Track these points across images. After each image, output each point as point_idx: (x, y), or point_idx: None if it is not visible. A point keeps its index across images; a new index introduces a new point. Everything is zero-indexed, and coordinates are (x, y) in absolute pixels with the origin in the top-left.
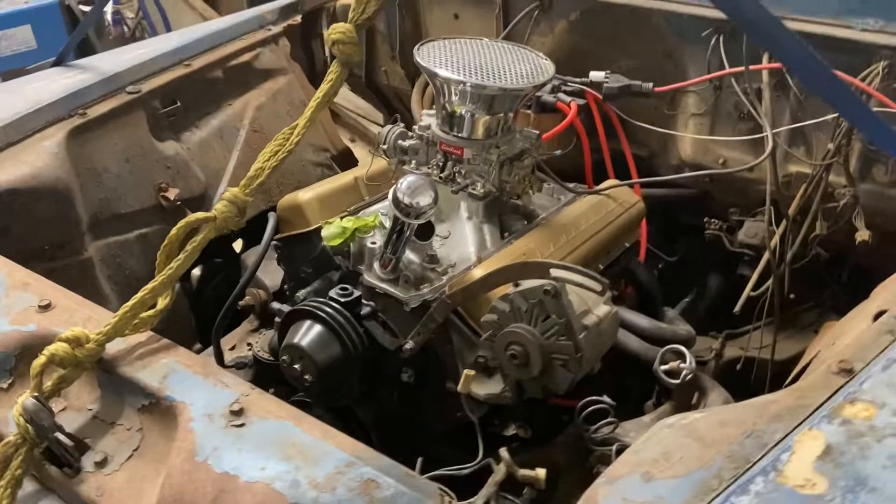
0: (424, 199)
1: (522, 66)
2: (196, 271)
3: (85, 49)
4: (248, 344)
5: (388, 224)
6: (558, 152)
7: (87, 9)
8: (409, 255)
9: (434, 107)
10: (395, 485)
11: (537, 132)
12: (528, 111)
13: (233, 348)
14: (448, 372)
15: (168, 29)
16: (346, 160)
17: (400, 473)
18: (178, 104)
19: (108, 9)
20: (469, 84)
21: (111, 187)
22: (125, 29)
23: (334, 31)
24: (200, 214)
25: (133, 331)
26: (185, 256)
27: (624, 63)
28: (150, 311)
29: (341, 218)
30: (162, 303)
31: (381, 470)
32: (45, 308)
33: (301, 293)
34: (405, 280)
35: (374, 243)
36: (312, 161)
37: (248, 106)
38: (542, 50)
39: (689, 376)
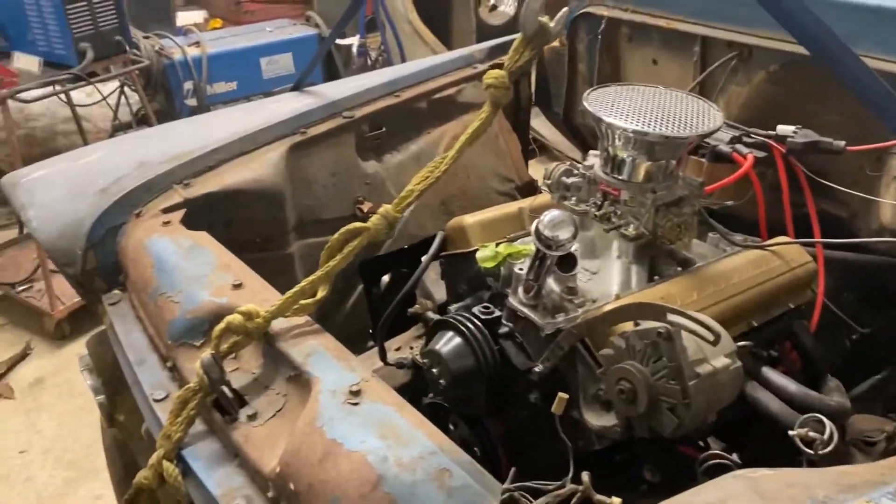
0: (564, 234)
1: (690, 114)
2: (385, 278)
3: (333, 76)
4: (411, 347)
5: None
6: (730, 203)
7: (341, 41)
8: (552, 285)
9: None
10: (466, 478)
11: (700, 180)
12: (702, 159)
13: (398, 349)
14: (572, 400)
15: (403, 60)
16: (530, 192)
17: (474, 470)
18: (384, 129)
19: (355, 42)
20: (631, 130)
21: (317, 196)
22: (368, 60)
23: (489, 77)
24: (359, 224)
25: (293, 314)
26: (341, 257)
27: (826, 118)
28: (310, 300)
29: (497, 244)
30: (320, 294)
31: (457, 463)
32: (238, 287)
33: (453, 307)
34: (543, 307)
35: (521, 269)
36: (497, 190)
37: (445, 135)
38: (738, 100)
39: (825, 448)
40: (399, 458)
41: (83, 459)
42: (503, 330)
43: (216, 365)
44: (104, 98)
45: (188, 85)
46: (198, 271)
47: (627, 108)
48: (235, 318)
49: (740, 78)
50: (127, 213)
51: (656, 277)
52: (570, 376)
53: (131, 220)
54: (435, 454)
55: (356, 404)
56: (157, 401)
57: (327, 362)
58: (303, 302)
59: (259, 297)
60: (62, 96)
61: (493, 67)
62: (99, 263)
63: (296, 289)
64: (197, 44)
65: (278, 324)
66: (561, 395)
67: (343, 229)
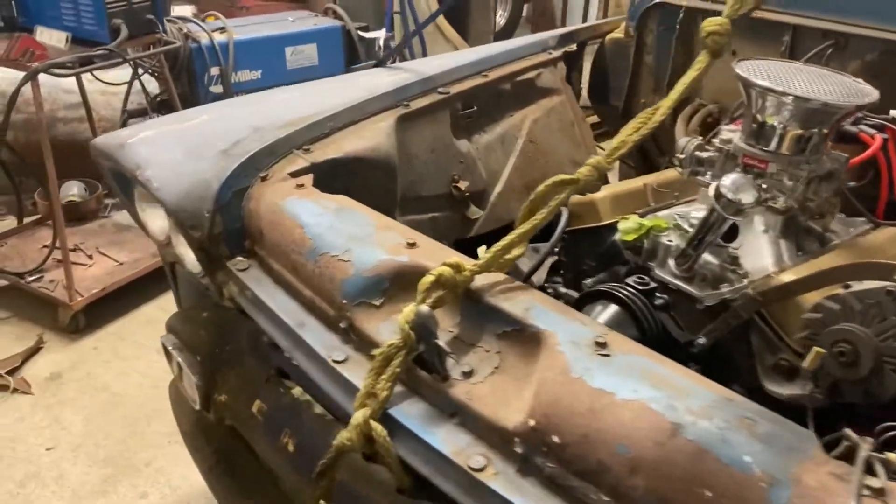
0: (747, 197)
1: (842, 87)
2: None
3: (356, 64)
4: None
5: (686, 226)
6: (852, 183)
7: (364, 34)
8: (706, 256)
9: (733, 124)
10: (772, 426)
11: (846, 155)
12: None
13: None
14: (736, 372)
15: (426, 55)
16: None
17: (775, 417)
18: (475, 108)
19: (382, 35)
20: (791, 96)
21: (419, 172)
22: (391, 52)
23: (710, 24)
24: (565, 176)
25: (496, 269)
26: (547, 211)
27: None
28: (508, 256)
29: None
30: (517, 251)
31: (754, 412)
32: (412, 246)
33: (588, 281)
34: (701, 278)
35: (669, 241)
36: None
37: (526, 119)
38: None
39: None
40: (688, 406)
41: (119, 456)
42: (658, 302)
43: (432, 316)
44: (137, 78)
45: (214, 71)
46: (360, 231)
47: (776, 77)
48: (444, 270)
49: (834, 67)
50: (252, 176)
51: (800, 253)
52: (735, 348)
53: (257, 183)
54: (727, 403)
55: (607, 355)
56: (337, 362)
57: (552, 316)
58: (501, 259)
59: (438, 255)
60: (91, 74)
61: (565, 54)
62: (225, 227)
63: (502, 243)
64: (223, 29)
65: (475, 281)
66: (817, 349)
67: (550, 180)
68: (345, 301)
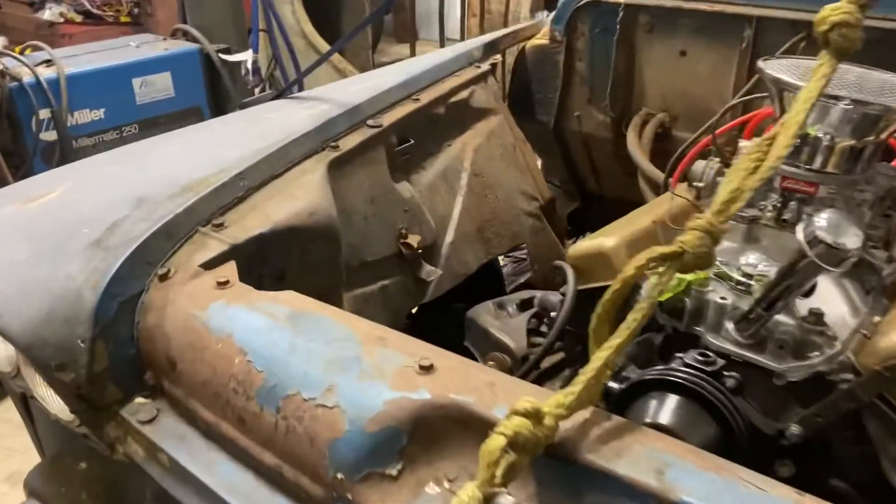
0: (851, 241)
1: (889, 87)
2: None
3: (220, 93)
4: None
5: (736, 275)
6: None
7: (227, 57)
8: (779, 316)
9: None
10: None
11: None
12: None
13: None
14: (843, 468)
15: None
16: (551, 211)
17: None
18: (412, 142)
19: (249, 57)
20: (847, 100)
21: (359, 231)
22: (260, 77)
23: (835, 12)
24: (665, 249)
25: (585, 405)
26: (646, 306)
27: None
28: (595, 385)
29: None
30: (608, 373)
31: None
32: (428, 370)
33: (617, 360)
34: (778, 345)
35: (722, 299)
36: (524, 210)
37: (466, 147)
38: None
39: None
40: None
41: None
42: (729, 383)
43: None
44: None
45: (43, 114)
46: (340, 352)
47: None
48: (519, 424)
49: None
50: (145, 276)
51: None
52: (840, 435)
53: (154, 285)
54: None
55: None
56: None
57: (696, 476)
58: (592, 389)
59: (471, 380)
60: None
61: (493, 66)
62: (113, 359)
63: (592, 366)
64: (49, 62)
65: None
66: None
67: (641, 257)
68: (340, 475)
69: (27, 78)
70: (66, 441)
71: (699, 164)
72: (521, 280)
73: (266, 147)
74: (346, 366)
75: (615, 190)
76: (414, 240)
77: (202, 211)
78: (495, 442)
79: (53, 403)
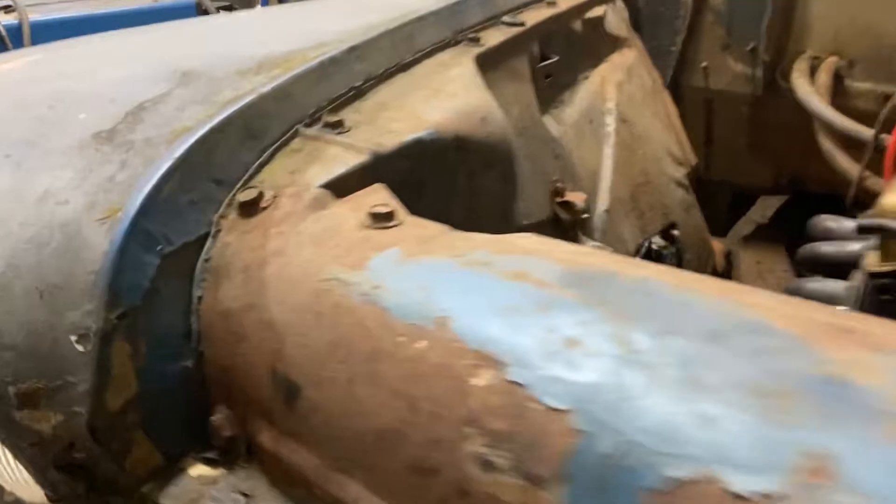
0: None
1: None
2: None
3: None
4: None
5: None
6: None
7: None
8: None
9: None
10: None
11: None
12: None
13: None
14: None
15: None
16: (693, 183)
17: None
18: (556, 58)
19: None
20: None
21: None
22: None
23: None
24: None
25: None
26: None
27: None
28: None
29: None
30: None
31: None
32: None
33: None
34: None
35: None
36: (673, 178)
37: (606, 83)
38: None
39: None
40: None
41: None
42: None
43: None
44: None
45: None
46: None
47: None
48: None
49: None
50: (210, 203)
51: None
52: None
53: (230, 223)
54: None
55: None
56: None
57: None
58: None
59: None
60: None
61: None
62: (146, 379)
63: None
64: (7, 7)
65: None
66: None
67: None
68: None
69: None
70: None
71: None
72: None
73: (381, 23)
74: (830, 403)
75: (727, 170)
76: (577, 198)
77: (302, 99)
78: None
79: (9, 476)
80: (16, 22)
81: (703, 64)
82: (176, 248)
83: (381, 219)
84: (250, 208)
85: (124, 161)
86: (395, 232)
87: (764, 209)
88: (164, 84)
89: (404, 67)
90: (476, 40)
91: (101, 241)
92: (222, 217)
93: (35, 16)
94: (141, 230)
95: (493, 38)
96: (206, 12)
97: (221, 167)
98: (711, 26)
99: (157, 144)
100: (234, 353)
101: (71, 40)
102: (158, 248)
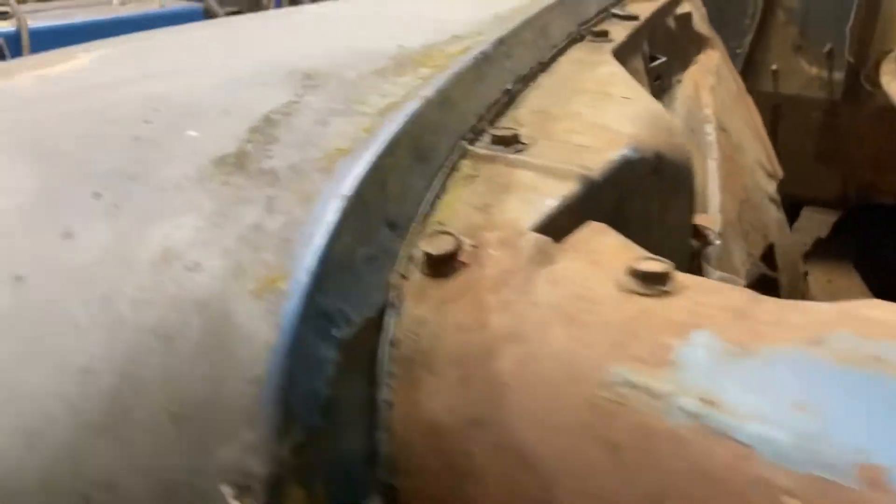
0: None
1: None
2: None
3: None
4: None
5: None
6: None
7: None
8: None
9: None
10: None
11: None
12: None
13: None
14: None
15: None
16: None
17: None
18: (663, 58)
19: None
20: None
21: None
22: None
23: None
24: None
25: None
26: None
27: None
28: None
29: None
30: None
31: None
32: None
33: None
34: None
35: None
36: (767, 193)
37: (700, 87)
38: None
39: None
40: None
41: None
42: None
43: None
44: None
45: None
46: None
47: None
48: None
49: None
50: (389, 263)
51: None
52: None
53: (415, 284)
54: None
55: None
56: None
57: None
58: None
59: None
60: None
61: None
62: None
63: None
64: (5, 14)
65: None
66: None
67: None
68: None
69: None
70: None
71: None
72: None
73: (508, 12)
74: None
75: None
76: (707, 221)
77: (463, 107)
78: None
79: None
80: (13, 29)
81: (773, 67)
82: (356, 331)
83: (653, 280)
84: (444, 265)
85: (271, 200)
86: (683, 302)
87: (809, 222)
88: (285, 88)
89: (544, 66)
90: (603, 34)
91: (262, 329)
92: (403, 277)
93: (35, 22)
94: (315, 308)
95: (618, 32)
96: (213, 17)
97: (395, 205)
98: (783, 26)
99: (308, 174)
100: (454, 494)
101: (126, 37)
102: (335, 332)
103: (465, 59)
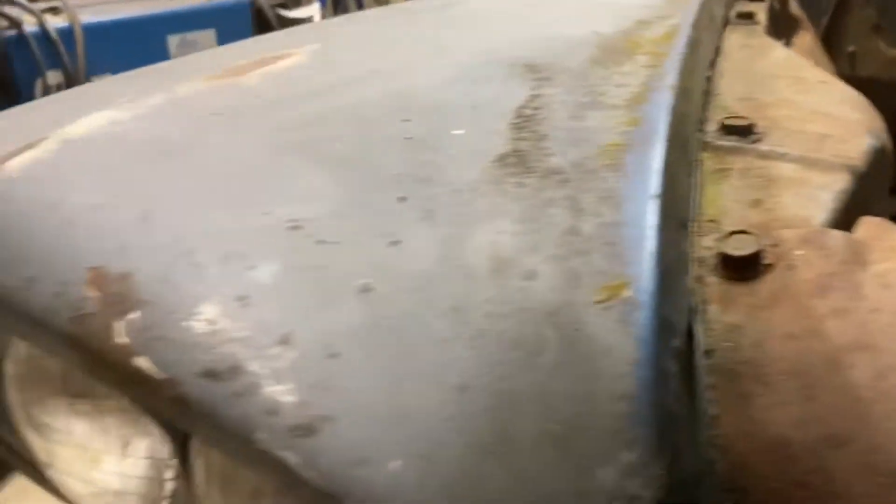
0: None
1: None
2: None
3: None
4: None
5: None
6: None
7: (287, 13)
8: None
9: None
10: None
11: None
12: None
13: None
14: None
15: None
16: None
17: None
18: (784, 41)
19: (316, 13)
20: None
21: None
22: None
23: None
24: None
25: None
26: None
27: None
28: None
29: None
30: None
31: None
32: None
33: None
34: None
35: None
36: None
37: None
38: None
39: None
40: None
41: None
42: None
43: None
44: None
45: (52, 78)
46: None
47: None
48: None
49: None
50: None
51: None
52: None
53: (717, 289)
54: None
55: None
56: None
57: None
58: None
59: None
60: None
61: None
62: None
63: None
64: (56, 9)
65: None
66: None
67: None
68: None
69: (30, 27)
70: None
71: None
72: None
73: None
74: None
75: None
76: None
77: (695, 96)
78: None
79: None
80: (66, 24)
81: (850, 48)
82: (682, 340)
83: None
84: (749, 267)
85: (573, 200)
86: None
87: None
88: (517, 82)
89: (718, 51)
90: (749, 16)
91: (619, 342)
92: (698, 281)
93: (86, 17)
94: (660, 317)
95: (760, 14)
96: (260, 10)
97: (681, 203)
98: (861, 6)
99: (597, 171)
100: None
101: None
102: (674, 342)
103: (679, 46)
